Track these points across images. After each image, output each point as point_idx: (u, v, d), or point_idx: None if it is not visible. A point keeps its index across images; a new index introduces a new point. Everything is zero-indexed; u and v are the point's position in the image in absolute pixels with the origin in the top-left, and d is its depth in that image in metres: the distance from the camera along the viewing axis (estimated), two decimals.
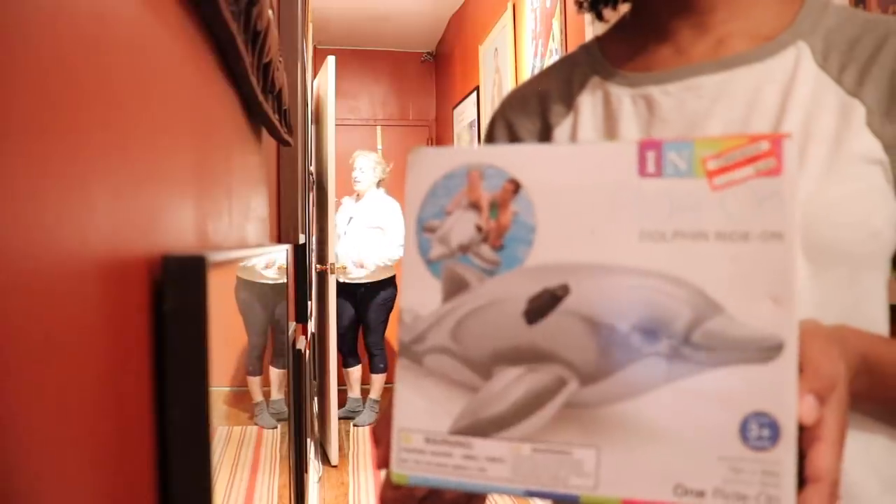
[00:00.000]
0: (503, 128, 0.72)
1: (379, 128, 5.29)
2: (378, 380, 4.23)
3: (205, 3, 0.46)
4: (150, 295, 0.35)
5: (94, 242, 0.27)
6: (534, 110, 0.70)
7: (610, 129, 0.63)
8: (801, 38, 0.58)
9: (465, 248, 0.36)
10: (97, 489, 0.28)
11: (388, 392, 4.68)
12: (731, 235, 0.32)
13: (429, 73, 5.39)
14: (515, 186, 0.36)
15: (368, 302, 4.10)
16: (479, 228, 0.36)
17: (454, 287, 0.36)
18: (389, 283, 4.10)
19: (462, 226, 0.36)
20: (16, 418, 0.20)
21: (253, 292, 0.64)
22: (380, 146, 5.24)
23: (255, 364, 0.67)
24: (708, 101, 0.58)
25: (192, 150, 0.47)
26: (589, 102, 0.66)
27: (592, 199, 0.34)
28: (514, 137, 0.71)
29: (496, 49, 3.53)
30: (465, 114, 4.29)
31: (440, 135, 5.18)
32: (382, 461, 0.38)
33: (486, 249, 0.36)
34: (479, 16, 3.94)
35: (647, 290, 0.33)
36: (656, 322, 0.33)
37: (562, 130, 0.67)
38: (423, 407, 0.36)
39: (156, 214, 0.37)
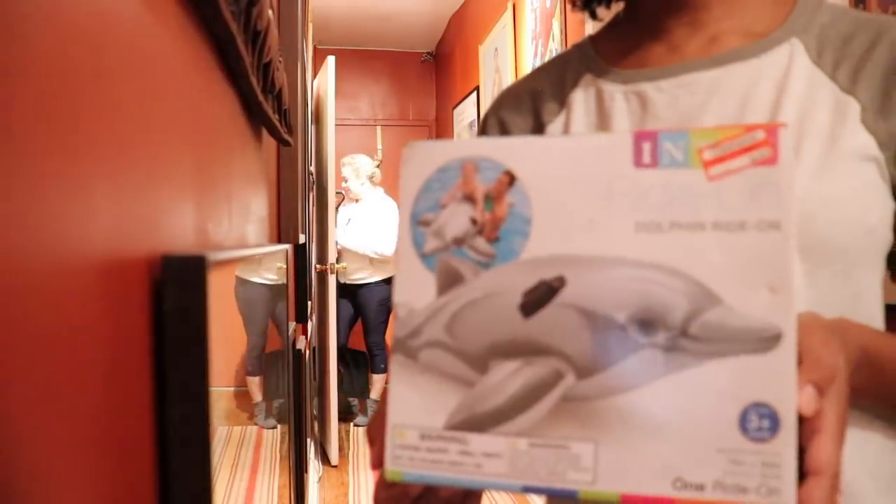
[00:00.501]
0: (495, 126, 0.73)
1: (379, 128, 5.29)
2: (379, 380, 4.23)
3: (205, 3, 0.46)
4: (150, 295, 0.35)
5: (95, 242, 0.27)
6: (526, 108, 0.71)
7: (602, 126, 0.63)
8: (794, 35, 0.58)
9: (459, 241, 0.36)
10: (97, 489, 0.28)
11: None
12: (727, 225, 0.32)
13: (429, 73, 5.39)
14: (510, 178, 0.35)
15: (368, 302, 4.11)
16: (473, 221, 0.36)
17: (449, 280, 0.36)
18: (389, 283, 4.10)
19: (457, 219, 0.36)
20: (16, 418, 0.20)
21: (253, 292, 0.64)
22: (380, 146, 5.24)
23: (254, 364, 0.67)
24: (701, 97, 0.58)
25: (192, 150, 0.47)
26: (581, 99, 0.66)
27: (588, 190, 0.34)
28: (505, 135, 0.71)
29: (496, 49, 3.54)
30: (465, 114, 4.29)
31: (440, 135, 5.17)
32: (378, 460, 0.38)
33: (481, 242, 0.36)
34: (479, 16, 3.94)
35: (644, 282, 0.33)
36: (653, 314, 0.32)
37: (554, 128, 0.67)
38: (417, 402, 0.36)
39: (156, 214, 0.37)
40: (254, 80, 0.66)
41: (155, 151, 0.37)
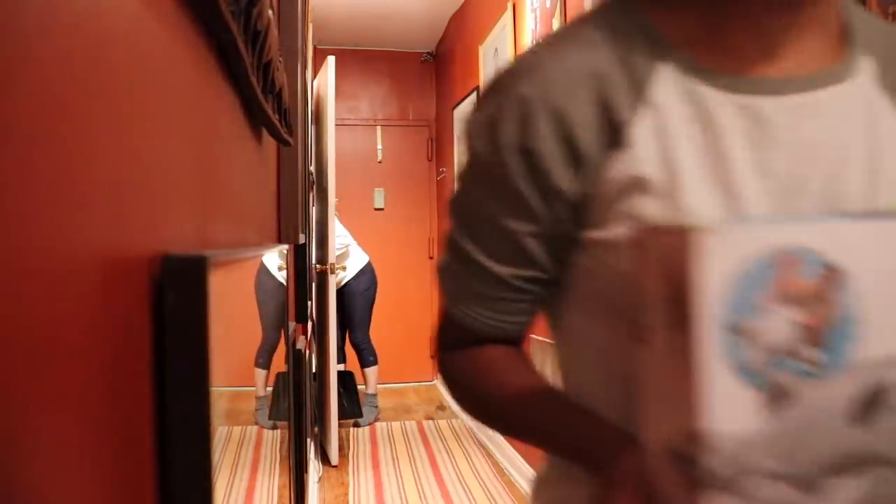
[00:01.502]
0: (550, 119, 0.54)
1: (379, 128, 5.29)
2: (371, 373, 4.23)
3: (205, 4, 0.46)
4: (150, 295, 0.35)
5: (95, 242, 0.27)
6: (589, 95, 0.54)
7: (713, 142, 0.54)
8: (861, 53, 0.57)
9: (785, 352, 0.32)
10: (97, 488, 0.28)
11: (388, 393, 4.67)
12: None
13: (429, 73, 5.39)
14: (836, 274, 0.32)
15: (353, 298, 4.10)
16: (798, 326, 0.32)
17: (776, 398, 0.32)
18: (364, 273, 4.11)
19: (779, 324, 0.32)
20: (16, 418, 0.20)
21: (272, 285, 0.64)
22: (380, 146, 5.24)
23: (265, 357, 0.67)
24: (820, 121, 0.55)
25: (193, 150, 0.47)
26: (672, 99, 0.54)
27: None
28: (566, 131, 0.54)
29: (496, 49, 3.53)
30: (465, 114, 4.29)
31: (440, 135, 5.17)
32: None
33: (808, 350, 0.32)
34: (479, 16, 3.94)
35: None
36: None
37: (641, 132, 0.54)
38: None
39: (156, 214, 0.37)
40: (254, 81, 0.66)
41: (155, 151, 0.37)
